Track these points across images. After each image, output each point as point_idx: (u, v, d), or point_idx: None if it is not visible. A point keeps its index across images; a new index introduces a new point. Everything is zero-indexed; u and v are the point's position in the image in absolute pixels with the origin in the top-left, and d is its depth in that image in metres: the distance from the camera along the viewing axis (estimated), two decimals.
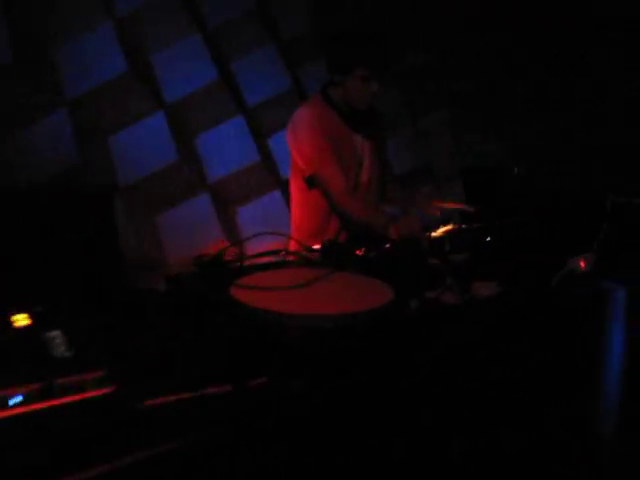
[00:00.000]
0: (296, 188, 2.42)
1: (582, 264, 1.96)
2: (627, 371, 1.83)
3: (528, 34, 4.51)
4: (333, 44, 2.23)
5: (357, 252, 1.66)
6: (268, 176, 3.46)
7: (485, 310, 1.50)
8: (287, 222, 2.56)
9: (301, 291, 1.34)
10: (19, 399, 0.92)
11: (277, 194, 3.57)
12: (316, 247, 1.79)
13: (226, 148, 3.41)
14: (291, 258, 1.76)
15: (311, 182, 2.31)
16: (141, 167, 3.17)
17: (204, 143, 3.42)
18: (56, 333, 1.11)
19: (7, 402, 0.90)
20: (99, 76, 2.97)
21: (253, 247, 3.37)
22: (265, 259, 1.69)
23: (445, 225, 2.10)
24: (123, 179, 3.13)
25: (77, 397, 0.92)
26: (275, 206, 3.57)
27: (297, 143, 2.27)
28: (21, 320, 1.21)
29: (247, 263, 1.59)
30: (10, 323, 1.20)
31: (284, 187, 3.37)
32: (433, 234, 1.97)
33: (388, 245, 1.81)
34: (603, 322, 1.78)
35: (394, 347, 1.16)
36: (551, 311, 1.68)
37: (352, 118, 2.33)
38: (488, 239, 1.90)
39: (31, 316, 1.22)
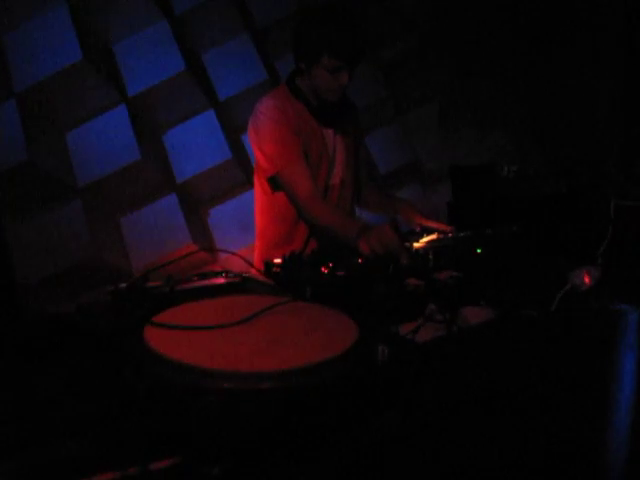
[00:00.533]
0: (259, 190, 2.16)
1: (586, 279, 1.72)
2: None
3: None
4: (298, 29, 1.97)
5: (323, 269, 1.40)
6: (241, 175, 3.19)
7: (476, 343, 1.25)
8: None
9: (234, 332, 1.04)
10: None
11: (251, 194, 3.28)
12: (277, 261, 1.54)
13: (195, 145, 3.13)
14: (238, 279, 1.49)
15: (275, 184, 2.05)
16: (101, 165, 2.89)
17: (171, 139, 3.16)
18: None
19: None
20: (52, 65, 2.69)
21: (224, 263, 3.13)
22: (213, 281, 1.42)
23: (428, 233, 1.85)
24: (81, 178, 2.86)
25: None
26: (249, 207, 3.27)
27: (258, 139, 2.01)
28: None
29: (185, 286, 1.32)
30: None
31: None
32: (415, 245, 1.71)
33: (360, 260, 1.55)
34: (613, 349, 1.55)
35: (353, 415, 0.88)
36: (553, 339, 1.44)
37: (322, 111, 2.07)
38: (479, 251, 1.65)
39: None
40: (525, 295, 1.53)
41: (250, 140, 2.04)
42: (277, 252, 2.09)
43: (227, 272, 1.43)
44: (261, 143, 2.00)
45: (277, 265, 1.51)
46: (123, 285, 1.23)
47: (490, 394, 1.23)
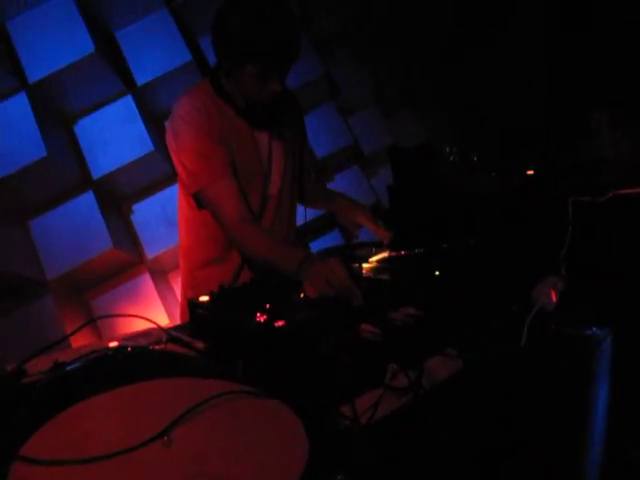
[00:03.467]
0: (184, 204, 1.84)
1: (553, 297, 1.56)
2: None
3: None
4: (217, 26, 1.61)
5: (258, 317, 1.15)
6: (166, 167, 2.87)
7: (446, 404, 1.06)
8: None
9: (138, 459, 0.76)
10: None
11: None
12: (203, 300, 1.29)
13: (112, 136, 2.80)
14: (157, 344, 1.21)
15: (200, 200, 1.75)
16: (4, 163, 2.53)
17: (84, 130, 2.81)
18: None
19: None
20: None
21: None
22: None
23: (377, 250, 1.63)
24: None
25: None
26: (176, 202, 3.01)
27: (178, 149, 1.69)
28: None
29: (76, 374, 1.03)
30: None
31: None
32: (364, 266, 1.49)
33: (303, 296, 1.31)
34: (587, 378, 1.41)
35: None
36: (526, 376, 1.28)
37: (253, 114, 1.75)
38: (437, 273, 1.45)
39: None
40: (491, 326, 1.35)
41: (169, 148, 1.73)
42: (206, 273, 1.84)
43: (126, 346, 1.14)
44: (181, 155, 1.69)
45: (202, 306, 1.26)
46: None
47: (465, 456, 1.06)
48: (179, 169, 1.74)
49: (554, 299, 1.54)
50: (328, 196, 2.13)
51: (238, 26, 1.55)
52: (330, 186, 3.72)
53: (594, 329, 1.43)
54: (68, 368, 1.02)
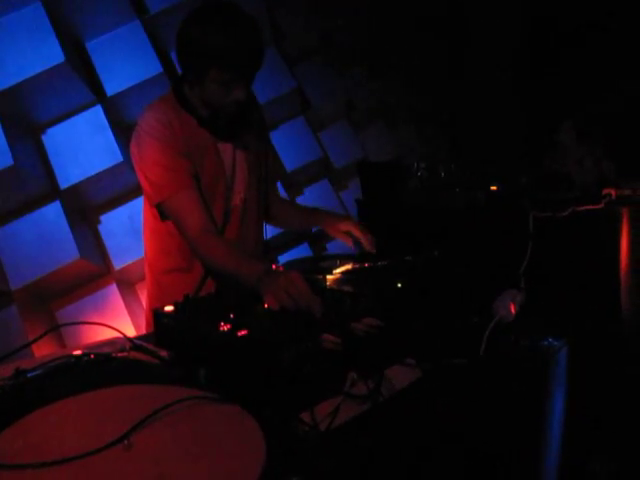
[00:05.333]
0: (148, 214, 1.86)
1: (512, 309, 1.61)
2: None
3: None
4: (181, 34, 1.65)
5: (222, 326, 1.16)
6: (134, 178, 2.84)
7: (405, 412, 1.09)
8: None
9: (98, 465, 0.76)
10: None
11: None
12: (168, 309, 1.30)
13: (81, 145, 2.78)
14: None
15: (163, 212, 1.76)
16: None
17: (52, 140, 2.79)
18: None
19: None
20: None
21: None
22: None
23: (341, 262, 1.66)
24: None
25: None
26: None
27: (141, 161, 1.71)
28: None
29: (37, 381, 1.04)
30: None
31: None
32: (328, 278, 1.52)
33: (267, 307, 1.33)
34: (544, 387, 1.45)
35: None
36: (483, 385, 1.31)
37: (217, 124, 1.77)
38: (399, 285, 1.48)
39: None
40: (450, 337, 1.38)
41: (133, 160, 1.75)
42: (170, 282, 1.85)
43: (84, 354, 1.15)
44: (144, 166, 1.71)
45: (167, 316, 1.27)
46: None
47: (422, 463, 1.08)
48: (142, 181, 1.75)
49: (513, 311, 1.59)
50: (298, 210, 2.16)
51: (203, 32, 1.59)
52: (299, 199, 3.77)
53: (550, 340, 1.47)
54: (30, 375, 1.02)
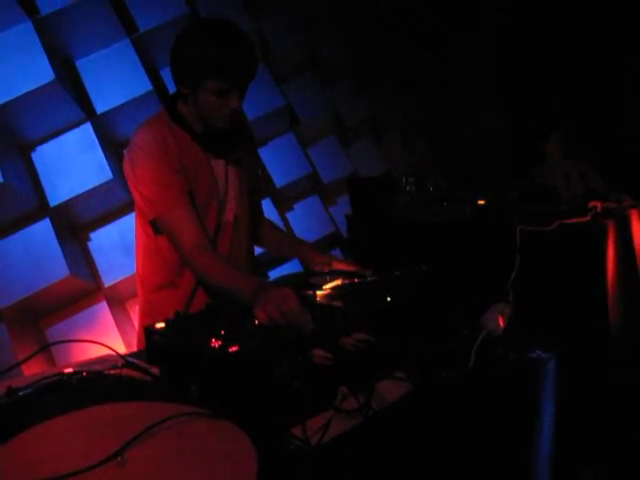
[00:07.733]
0: (140, 231, 1.86)
1: (500, 322, 1.63)
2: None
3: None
4: (176, 49, 1.69)
5: (213, 343, 1.17)
6: (124, 195, 2.87)
7: (395, 425, 1.10)
8: None
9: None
10: None
11: None
12: (159, 326, 1.31)
13: (71, 163, 2.79)
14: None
15: (157, 227, 1.77)
16: None
17: (42, 157, 2.80)
18: None
19: None
20: None
21: None
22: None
23: (331, 278, 1.68)
24: None
25: None
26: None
27: (136, 179, 1.72)
28: None
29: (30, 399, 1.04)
30: None
31: None
32: (318, 293, 1.53)
33: (257, 323, 1.33)
34: (533, 399, 1.46)
35: None
36: (473, 398, 1.33)
37: (210, 139, 1.80)
38: (388, 299, 1.50)
39: None
40: (440, 351, 1.40)
41: (126, 177, 1.76)
42: (160, 298, 1.86)
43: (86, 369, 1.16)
44: (138, 184, 1.72)
45: (158, 332, 1.28)
46: None
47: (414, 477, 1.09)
48: (136, 197, 1.76)
49: (501, 324, 1.60)
50: (288, 238, 2.19)
51: (198, 43, 1.65)
52: (289, 215, 3.79)
53: (538, 352, 1.49)
54: (22, 393, 1.03)
